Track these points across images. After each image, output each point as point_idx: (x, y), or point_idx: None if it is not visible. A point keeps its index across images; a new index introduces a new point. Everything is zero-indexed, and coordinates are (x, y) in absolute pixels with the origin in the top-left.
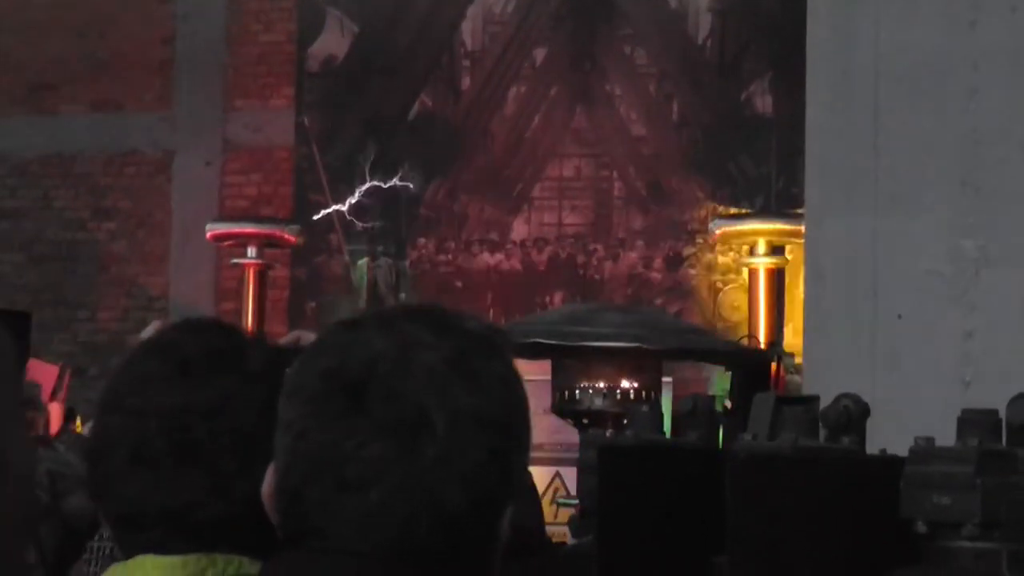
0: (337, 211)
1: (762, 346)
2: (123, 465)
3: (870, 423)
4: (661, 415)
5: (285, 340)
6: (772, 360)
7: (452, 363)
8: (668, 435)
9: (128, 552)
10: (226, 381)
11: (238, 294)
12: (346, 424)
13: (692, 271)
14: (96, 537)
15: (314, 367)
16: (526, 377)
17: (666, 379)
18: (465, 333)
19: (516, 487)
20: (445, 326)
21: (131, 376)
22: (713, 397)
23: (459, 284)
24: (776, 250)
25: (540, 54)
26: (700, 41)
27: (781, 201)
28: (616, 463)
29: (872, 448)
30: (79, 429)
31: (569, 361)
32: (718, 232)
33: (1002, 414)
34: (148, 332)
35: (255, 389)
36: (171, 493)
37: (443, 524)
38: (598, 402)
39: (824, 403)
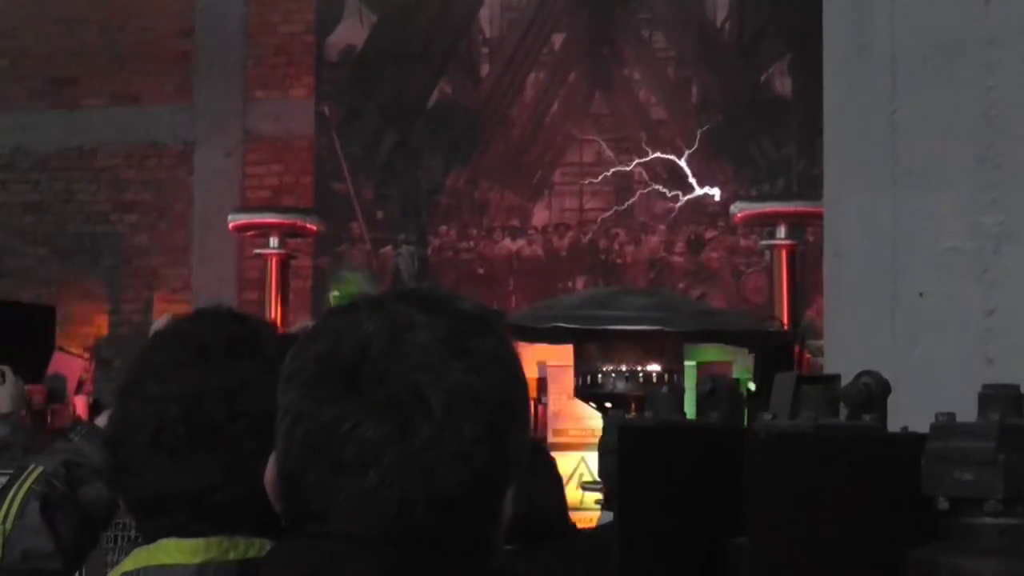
0: (359, 199)
1: (784, 328)
2: (144, 451)
3: (891, 401)
4: (681, 396)
5: (295, 328)
6: (795, 342)
7: (445, 342)
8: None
9: (149, 537)
10: (243, 366)
11: (261, 284)
12: (341, 406)
13: (714, 254)
14: (118, 526)
15: (309, 352)
16: (553, 363)
17: (689, 363)
18: (458, 313)
19: (515, 467)
20: (437, 306)
21: (149, 364)
22: (735, 378)
23: (481, 271)
24: (798, 231)
25: (558, 39)
26: (718, 24)
27: (802, 182)
28: (636, 444)
29: (893, 426)
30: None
31: (591, 345)
32: (739, 215)
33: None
34: (160, 324)
35: (271, 373)
36: (191, 477)
37: (440, 504)
38: (620, 385)
39: (845, 381)
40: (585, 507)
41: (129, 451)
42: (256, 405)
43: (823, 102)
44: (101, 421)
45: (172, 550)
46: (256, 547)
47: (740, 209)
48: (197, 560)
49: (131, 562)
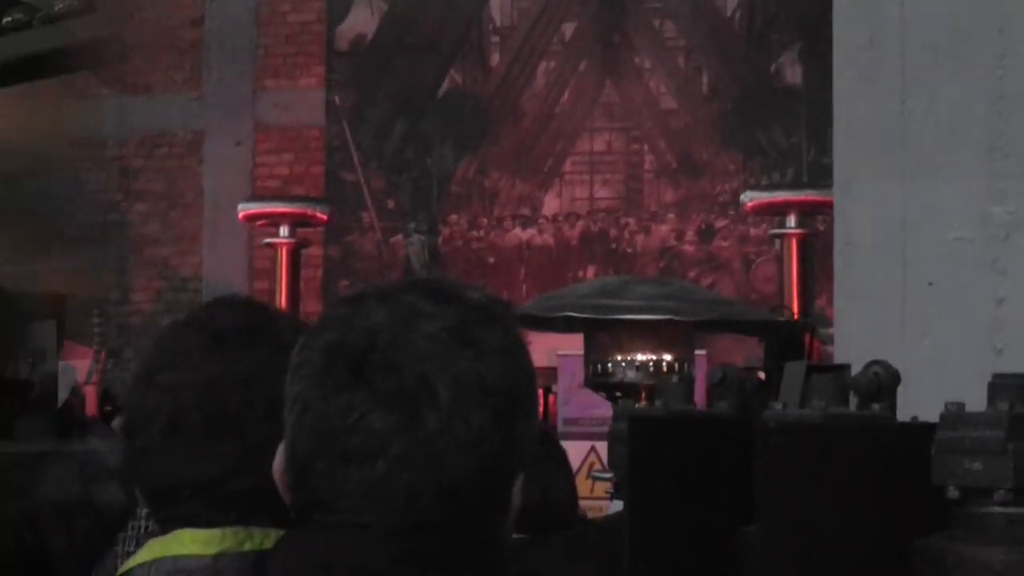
0: (369, 189)
1: (794, 317)
2: (159, 439)
3: (901, 390)
4: (691, 386)
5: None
6: (804, 331)
7: (453, 332)
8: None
9: (165, 526)
10: (258, 353)
11: (271, 274)
12: (348, 397)
13: (724, 243)
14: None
15: (317, 342)
16: (564, 352)
17: (700, 352)
18: (465, 303)
19: (523, 456)
20: (445, 296)
21: (165, 351)
22: (744, 368)
23: (491, 260)
24: (808, 221)
25: (569, 29)
26: (729, 13)
27: (812, 172)
28: (646, 433)
29: (903, 416)
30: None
31: (601, 334)
32: (749, 204)
33: None
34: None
35: (286, 360)
36: (206, 465)
37: (448, 494)
38: (631, 375)
39: (855, 371)
40: (595, 496)
41: (144, 439)
42: (271, 393)
43: (833, 91)
44: (118, 424)
45: (187, 541)
46: (271, 538)
47: (750, 198)
48: (212, 551)
49: (146, 553)
